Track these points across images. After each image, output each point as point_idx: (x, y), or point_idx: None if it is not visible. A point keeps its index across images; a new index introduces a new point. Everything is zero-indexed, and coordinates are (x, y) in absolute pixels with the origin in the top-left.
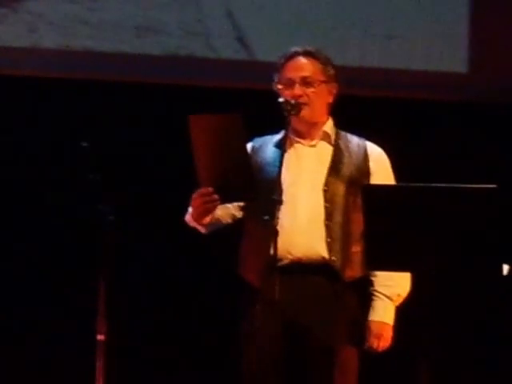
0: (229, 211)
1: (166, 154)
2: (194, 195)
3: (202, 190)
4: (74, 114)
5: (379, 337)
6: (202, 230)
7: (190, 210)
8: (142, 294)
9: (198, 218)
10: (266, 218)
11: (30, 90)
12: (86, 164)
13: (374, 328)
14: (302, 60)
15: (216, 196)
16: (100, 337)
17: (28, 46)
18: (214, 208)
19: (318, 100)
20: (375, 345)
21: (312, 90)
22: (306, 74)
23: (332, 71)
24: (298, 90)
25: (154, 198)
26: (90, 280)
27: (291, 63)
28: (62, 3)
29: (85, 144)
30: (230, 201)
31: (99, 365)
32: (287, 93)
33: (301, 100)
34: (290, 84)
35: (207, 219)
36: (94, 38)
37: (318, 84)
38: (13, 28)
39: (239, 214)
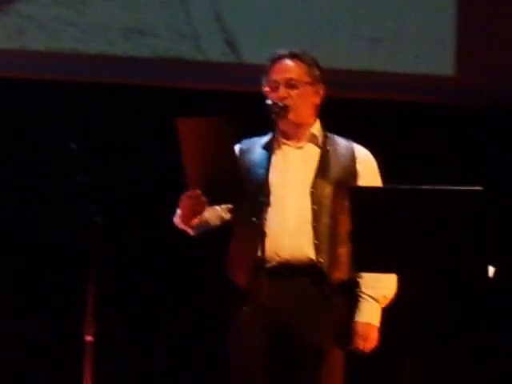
0: (217, 213)
1: (154, 155)
2: (182, 197)
3: (190, 192)
4: (62, 115)
5: (365, 338)
6: (191, 231)
7: (179, 211)
8: (130, 295)
9: (186, 219)
10: (254, 219)
11: (18, 91)
12: (74, 165)
13: (360, 329)
14: (287, 62)
15: (204, 198)
16: (88, 338)
17: (17, 48)
18: (202, 210)
19: (302, 101)
20: (361, 346)
21: (296, 91)
22: (290, 75)
23: (318, 72)
24: (282, 91)
25: (142, 199)
26: (78, 281)
27: (277, 65)
28: (51, 6)
29: (73, 145)
30: (218, 202)
31: (87, 366)
32: (273, 95)
33: (285, 102)
34: (276, 86)
35: (195, 221)
36: (82, 41)
37: (303, 85)
38: (2, 30)
39: (227, 216)
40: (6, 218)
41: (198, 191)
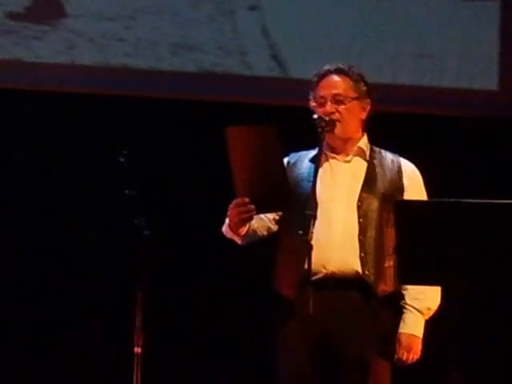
0: (265, 224)
1: (203, 168)
2: (231, 205)
3: (239, 200)
4: (111, 129)
5: (409, 349)
6: (239, 240)
7: (227, 220)
8: (178, 307)
9: (234, 228)
10: (301, 232)
11: (69, 105)
12: (124, 179)
13: (404, 340)
14: (334, 78)
15: (252, 206)
16: (137, 349)
17: (67, 63)
18: (251, 218)
19: (349, 117)
20: (405, 357)
21: (343, 107)
22: (337, 91)
23: (364, 88)
24: (329, 107)
25: (191, 211)
26: (127, 293)
27: (324, 81)
28: (100, 21)
29: (122, 159)
30: (266, 211)
31: (136, 377)
32: (320, 110)
33: (332, 117)
34: (323, 101)
35: (244, 230)
36: (131, 56)
37: (350, 101)
38: (52, 45)
39: (275, 227)
40: (55, 232)
41: (246, 199)
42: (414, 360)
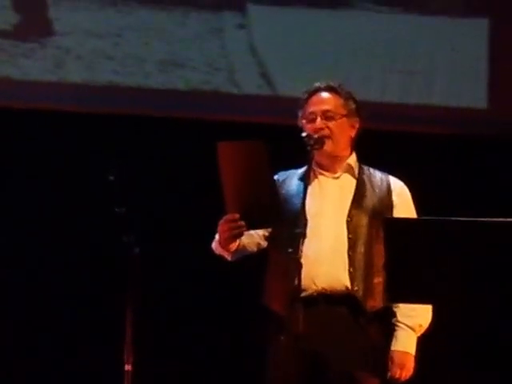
0: (254, 240)
1: (191, 187)
2: (221, 221)
3: (229, 216)
4: (99, 147)
5: (402, 366)
6: (228, 257)
7: (217, 237)
8: (168, 324)
9: (224, 244)
10: (290, 250)
11: (56, 123)
12: (113, 197)
13: (396, 358)
14: (324, 94)
15: (242, 222)
16: (127, 367)
17: (55, 81)
18: (241, 234)
19: (339, 133)
20: (398, 374)
21: (333, 123)
22: (327, 107)
23: (353, 106)
24: (319, 123)
25: (179, 227)
26: (116, 310)
27: (314, 98)
28: (88, 38)
29: (111, 178)
30: (256, 227)
31: None
32: (309, 126)
33: (322, 133)
34: (312, 118)
35: (234, 246)
36: (119, 73)
37: (340, 117)
38: (40, 62)
39: (264, 244)
40: (44, 248)
41: (237, 215)
42: (407, 377)
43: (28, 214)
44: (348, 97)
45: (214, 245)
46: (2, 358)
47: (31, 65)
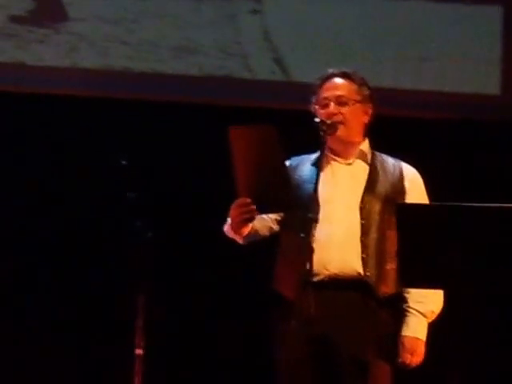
0: (266, 224)
1: (204, 171)
2: (233, 206)
3: (240, 201)
4: (112, 132)
5: (412, 352)
6: (240, 240)
7: (229, 220)
8: (180, 308)
9: (236, 228)
10: (302, 235)
11: (70, 108)
12: (125, 182)
13: (407, 343)
14: (338, 80)
15: (254, 206)
16: (138, 351)
17: (68, 66)
18: (253, 218)
19: (352, 119)
20: (408, 360)
21: (347, 108)
22: (340, 93)
23: (367, 92)
24: (333, 108)
25: (192, 212)
26: (128, 295)
27: (327, 83)
28: (102, 24)
29: (124, 162)
30: (268, 211)
31: (137, 380)
32: (322, 112)
33: (335, 118)
34: (326, 103)
35: (245, 230)
36: (132, 59)
37: (353, 103)
38: (54, 48)
39: (276, 228)
40: (57, 234)
41: (248, 199)
42: (418, 363)
43: (40, 199)
44: (361, 83)
45: (226, 228)
46: (18, 340)
47: (45, 50)
